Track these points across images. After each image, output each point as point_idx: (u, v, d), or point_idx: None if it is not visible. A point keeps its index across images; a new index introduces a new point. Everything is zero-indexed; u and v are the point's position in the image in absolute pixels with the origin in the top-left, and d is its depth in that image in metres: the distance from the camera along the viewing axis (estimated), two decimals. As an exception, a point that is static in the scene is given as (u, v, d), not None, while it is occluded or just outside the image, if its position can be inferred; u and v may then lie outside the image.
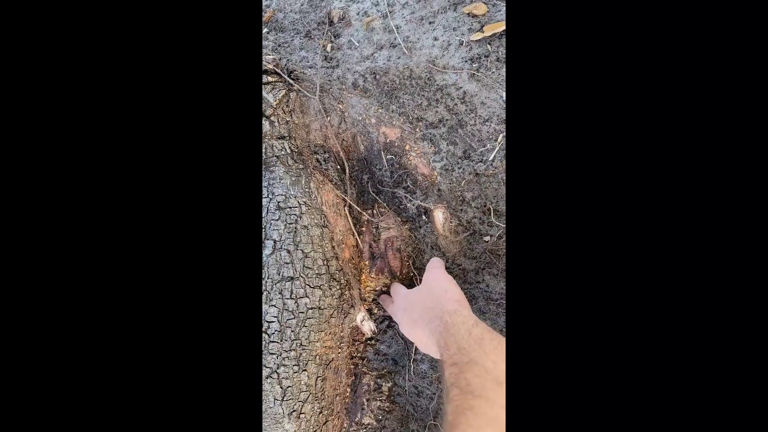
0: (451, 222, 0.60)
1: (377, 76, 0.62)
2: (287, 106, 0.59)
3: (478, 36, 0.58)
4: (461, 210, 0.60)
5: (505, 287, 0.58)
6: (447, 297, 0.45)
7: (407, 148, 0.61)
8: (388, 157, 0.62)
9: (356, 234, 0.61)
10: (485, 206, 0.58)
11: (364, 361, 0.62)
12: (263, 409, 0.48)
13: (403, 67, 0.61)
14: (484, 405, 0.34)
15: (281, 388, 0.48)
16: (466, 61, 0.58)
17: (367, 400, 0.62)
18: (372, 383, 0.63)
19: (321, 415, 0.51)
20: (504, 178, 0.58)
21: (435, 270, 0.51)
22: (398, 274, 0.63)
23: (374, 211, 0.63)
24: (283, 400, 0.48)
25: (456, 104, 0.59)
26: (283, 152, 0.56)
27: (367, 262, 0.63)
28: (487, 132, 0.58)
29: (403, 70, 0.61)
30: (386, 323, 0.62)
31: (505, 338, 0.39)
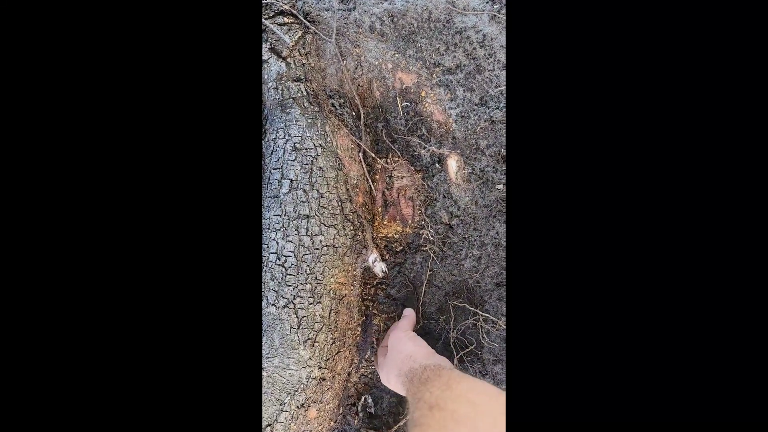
0: (464, 170, 0.60)
1: (395, 19, 0.60)
2: (303, 48, 0.59)
3: (501, -25, 0.56)
4: (475, 158, 0.60)
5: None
6: (402, 357, 0.51)
7: (423, 94, 0.61)
8: (403, 104, 0.62)
9: (370, 180, 0.62)
10: (499, 154, 0.58)
11: (375, 304, 0.65)
12: (281, 336, 0.51)
13: (421, 8, 0.59)
14: None
15: (297, 317, 0.51)
16: (487, 2, 0.56)
17: (376, 339, 0.66)
18: (381, 324, 0.66)
19: (334, 345, 0.54)
20: (520, 125, 0.57)
21: (394, 332, 0.56)
22: (410, 221, 0.64)
23: (388, 160, 0.64)
24: (298, 328, 0.51)
25: (475, 48, 0.57)
26: (299, 94, 0.56)
27: (379, 209, 0.64)
28: (506, 77, 0.57)
29: (422, 12, 0.59)
30: (396, 268, 0.64)
31: (449, 372, 0.43)
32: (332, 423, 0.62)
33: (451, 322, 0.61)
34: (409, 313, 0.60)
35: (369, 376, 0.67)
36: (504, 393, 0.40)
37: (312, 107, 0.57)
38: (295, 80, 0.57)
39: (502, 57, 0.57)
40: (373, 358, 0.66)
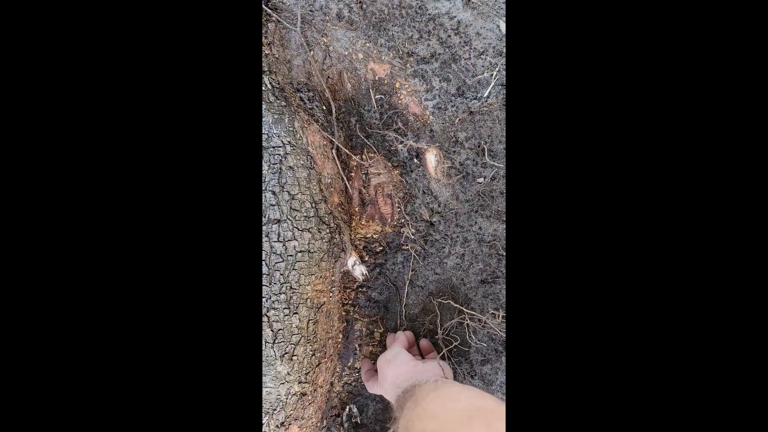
0: (443, 164, 0.58)
1: (364, 6, 0.57)
2: (266, 37, 0.54)
3: (473, -42, 0.53)
4: (454, 151, 0.57)
5: (497, 229, 0.57)
6: (386, 386, 0.51)
7: (397, 85, 0.58)
8: (377, 96, 0.58)
9: (345, 179, 0.58)
10: (479, 146, 0.56)
11: (356, 308, 0.62)
12: (254, 352, 0.47)
13: (392, -6, 0.56)
14: None
15: (272, 330, 0.47)
16: (460, -13, 0.54)
17: (359, 345, 0.63)
18: (364, 329, 0.63)
19: (314, 357, 0.50)
20: (499, 116, 0.55)
21: (378, 362, 0.55)
22: (389, 220, 0.61)
23: (363, 156, 0.60)
24: (274, 342, 0.47)
25: (449, 36, 0.55)
26: (263, 88, 0.52)
27: (357, 209, 0.61)
28: (482, 66, 0.54)
29: (392, -2, 0.56)
30: (377, 270, 0.61)
31: (420, 389, 0.44)
32: (316, 437, 0.59)
33: (438, 320, 0.59)
34: (397, 336, 0.57)
35: (353, 384, 0.63)
36: (472, 391, 0.41)
37: (278, 102, 0.52)
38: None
39: (477, 44, 0.54)
40: (357, 365, 0.63)
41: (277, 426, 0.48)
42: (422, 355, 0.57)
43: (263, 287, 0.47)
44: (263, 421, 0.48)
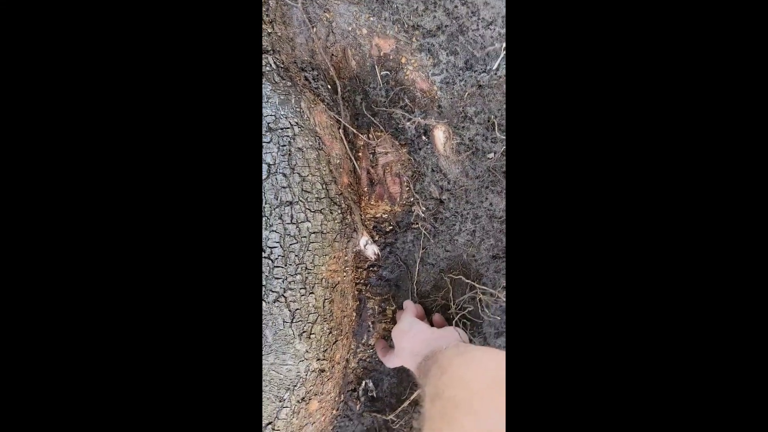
0: (452, 141, 0.57)
1: (366, -23, 0.55)
2: (267, 15, 0.53)
3: None
4: (463, 127, 0.57)
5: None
6: (405, 355, 0.51)
7: (403, 61, 0.56)
8: (382, 72, 0.57)
9: (353, 159, 0.58)
10: (489, 121, 0.55)
11: (368, 287, 0.63)
12: (274, 332, 0.48)
13: (395, -36, 0.54)
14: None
15: (290, 311, 0.48)
16: (467, -46, 0.52)
17: (372, 323, 0.64)
18: (376, 307, 0.64)
19: (331, 335, 0.52)
20: (508, 89, 0.54)
21: (393, 332, 0.55)
22: (398, 199, 0.61)
23: (370, 135, 0.59)
24: (292, 322, 0.48)
25: (456, 6, 0.53)
26: (267, 68, 0.51)
27: (365, 189, 0.60)
28: (491, 37, 0.53)
29: (396, -32, 0.54)
30: (387, 249, 0.62)
31: (443, 354, 0.43)
32: (334, 411, 0.61)
33: (450, 295, 0.59)
34: (407, 306, 0.58)
35: (367, 360, 0.65)
36: (499, 355, 0.40)
37: (284, 82, 0.51)
38: (262, 53, 0.51)
39: (485, 14, 0.52)
40: (371, 342, 0.64)
41: (299, 401, 0.50)
42: None
43: (279, 269, 0.47)
44: (284, 397, 0.49)
